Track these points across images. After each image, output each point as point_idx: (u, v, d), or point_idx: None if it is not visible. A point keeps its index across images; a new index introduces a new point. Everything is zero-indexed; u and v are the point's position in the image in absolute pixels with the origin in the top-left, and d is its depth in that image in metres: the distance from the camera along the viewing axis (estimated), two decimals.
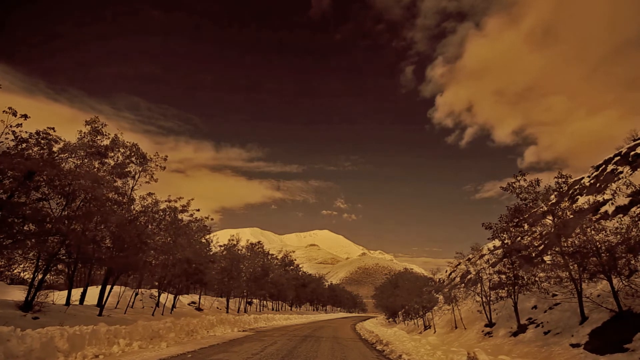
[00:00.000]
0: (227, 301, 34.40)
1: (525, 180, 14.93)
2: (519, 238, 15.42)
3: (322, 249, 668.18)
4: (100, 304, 15.96)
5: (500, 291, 17.15)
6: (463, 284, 36.30)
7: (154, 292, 25.42)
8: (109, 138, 15.09)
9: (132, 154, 16.39)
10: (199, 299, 29.61)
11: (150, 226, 16.81)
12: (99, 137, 14.31)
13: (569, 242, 13.14)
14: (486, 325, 19.50)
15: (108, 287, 17.79)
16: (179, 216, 18.78)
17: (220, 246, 32.02)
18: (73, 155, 13.00)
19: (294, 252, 62.50)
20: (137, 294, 20.12)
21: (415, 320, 33.95)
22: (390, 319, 57.37)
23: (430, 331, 27.06)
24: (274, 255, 52.22)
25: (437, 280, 37.84)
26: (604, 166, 32.46)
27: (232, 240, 35.99)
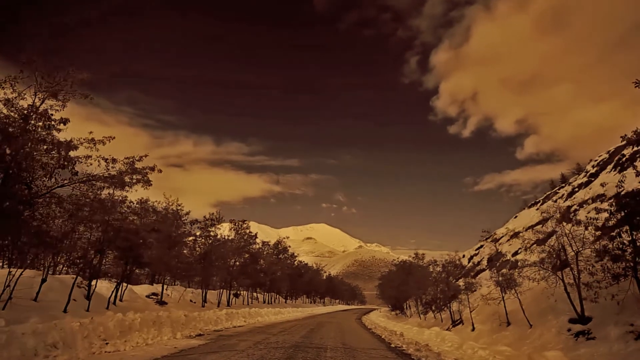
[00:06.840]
0: (204, 293, 27.73)
1: None
2: None
3: (318, 242, 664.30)
4: None
5: (613, 266, 10.58)
6: (487, 267, 30.20)
7: (99, 280, 18.49)
8: None
9: None
10: (162, 289, 22.95)
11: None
12: None
13: None
14: (571, 321, 13.00)
15: None
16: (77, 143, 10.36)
17: (192, 222, 25.25)
18: None
19: (288, 237, 56.01)
20: (44, 281, 13.47)
21: (437, 314, 27.55)
22: (397, 312, 50.99)
23: (465, 328, 20.59)
24: (267, 242, 45.65)
25: (458, 265, 31.40)
26: None
27: (210, 219, 29.15)
